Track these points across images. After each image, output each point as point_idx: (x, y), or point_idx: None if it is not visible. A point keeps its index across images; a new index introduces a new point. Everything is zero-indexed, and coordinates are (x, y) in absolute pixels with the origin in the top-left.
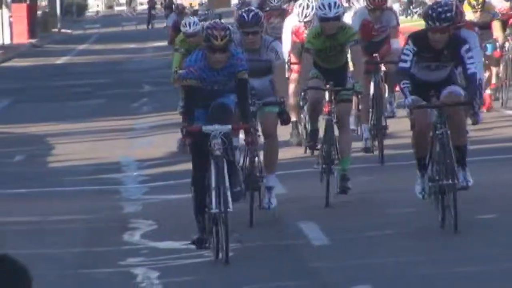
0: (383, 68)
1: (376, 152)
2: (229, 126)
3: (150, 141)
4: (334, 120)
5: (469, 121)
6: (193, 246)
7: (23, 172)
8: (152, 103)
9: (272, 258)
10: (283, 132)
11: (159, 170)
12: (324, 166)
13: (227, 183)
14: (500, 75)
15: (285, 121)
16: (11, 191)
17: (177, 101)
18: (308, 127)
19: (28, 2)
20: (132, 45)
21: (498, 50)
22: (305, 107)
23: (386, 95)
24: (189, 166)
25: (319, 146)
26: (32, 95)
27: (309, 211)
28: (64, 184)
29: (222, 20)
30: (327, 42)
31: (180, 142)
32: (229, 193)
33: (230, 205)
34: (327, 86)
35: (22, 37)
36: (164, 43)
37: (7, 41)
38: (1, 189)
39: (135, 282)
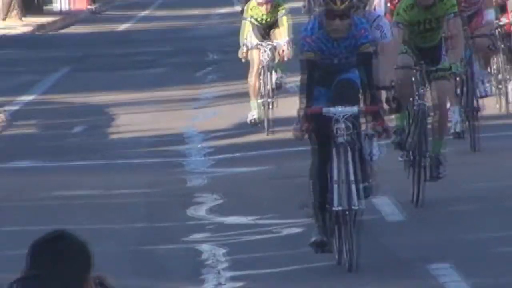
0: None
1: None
2: (355, 108)
3: (215, 111)
4: (427, 105)
5: None
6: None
7: (83, 144)
8: (217, 72)
9: None
10: None
11: (224, 142)
12: (412, 158)
13: (352, 176)
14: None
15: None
16: (70, 164)
17: (244, 70)
18: (396, 121)
19: None
20: (197, 11)
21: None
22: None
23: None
24: (257, 137)
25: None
26: (92, 63)
27: (382, 185)
28: (125, 156)
29: None
30: (421, 15)
31: (297, 127)
32: (354, 188)
33: (356, 201)
34: (419, 66)
35: (81, 3)
36: (230, 10)
37: (65, 7)
38: (60, 162)
39: (200, 259)
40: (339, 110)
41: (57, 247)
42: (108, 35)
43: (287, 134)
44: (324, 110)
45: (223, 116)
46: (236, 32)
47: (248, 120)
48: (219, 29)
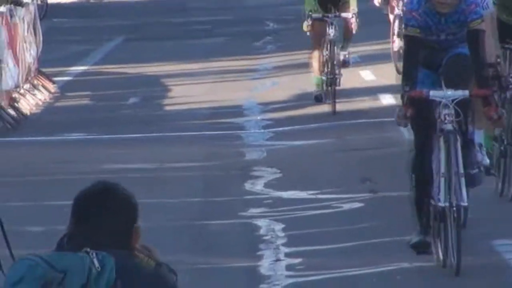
0: None
1: None
2: (467, 92)
3: (274, 82)
4: None
5: None
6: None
7: (137, 116)
8: (276, 42)
9: (407, 209)
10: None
11: (283, 114)
12: (503, 144)
13: (461, 168)
14: None
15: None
16: (125, 136)
17: (305, 40)
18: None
19: None
20: None
21: None
22: None
23: None
24: (317, 109)
25: None
26: (147, 32)
27: None
28: (181, 128)
29: None
30: None
31: (400, 113)
32: (463, 181)
33: (465, 197)
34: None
35: None
36: None
37: None
38: (113, 134)
39: (257, 234)
40: (448, 94)
41: (102, 200)
42: (164, 3)
43: (348, 105)
44: (431, 93)
45: (282, 87)
46: (296, 1)
47: (313, 97)
48: None
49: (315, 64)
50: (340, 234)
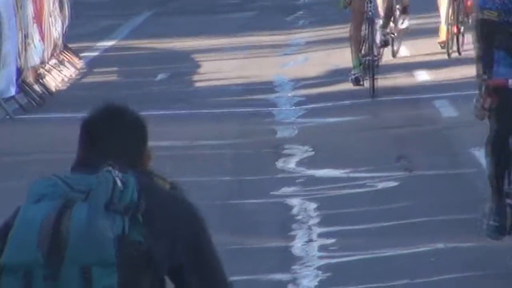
0: None
1: None
2: None
3: (306, 58)
4: None
5: None
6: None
7: (167, 92)
8: (308, 16)
9: (443, 188)
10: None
11: (316, 90)
12: None
13: None
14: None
15: None
16: (154, 113)
17: (338, 15)
18: None
19: None
20: None
21: None
22: None
23: None
24: (351, 86)
25: None
26: (176, 7)
27: (483, 136)
28: (211, 105)
29: None
30: None
31: (478, 104)
32: None
33: None
34: None
35: None
36: None
37: None
38: (142, 111)
39: (290, 214)
40: None
41: (111, 120)
42: None
43: (382, 82)
44: (511, 81)
45: (314, 63)
46: None
47: (349, 79)
48: None
49: (353, 44)
50: (374, 213)
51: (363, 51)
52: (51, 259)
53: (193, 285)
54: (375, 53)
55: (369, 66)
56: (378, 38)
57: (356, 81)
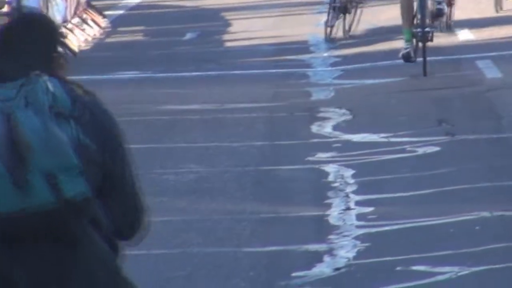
0: None
1: None
2: None
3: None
4: None
5: None
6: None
7: (196, 53)
8: None
9: (486, 153)
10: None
11: (353, 50)
12: None
13: None
14: None
15: None
16: (182, 74)
17: None
18: None
19: None
20: None
21: None
22: None
23: None
24: (390, 45)
25: None
26: None
27: None
28: (243, 66)
29: None
30: None
31: None
32: None
33: None
34: None
35: None
36: None
37: None
38: (170, 72)
39: (325, 181)
40: None
41: (22, 26)
42: None
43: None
44: None
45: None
46: None
47: (400, 54)
48: None
49: (403, 15)
50: (414, 180)
51: (416, 22)
52: (15, 169)
53: (112, 194)
54: (429, 24)
55: (421, 39)
56: (432, 8)
57: (407, 58)
